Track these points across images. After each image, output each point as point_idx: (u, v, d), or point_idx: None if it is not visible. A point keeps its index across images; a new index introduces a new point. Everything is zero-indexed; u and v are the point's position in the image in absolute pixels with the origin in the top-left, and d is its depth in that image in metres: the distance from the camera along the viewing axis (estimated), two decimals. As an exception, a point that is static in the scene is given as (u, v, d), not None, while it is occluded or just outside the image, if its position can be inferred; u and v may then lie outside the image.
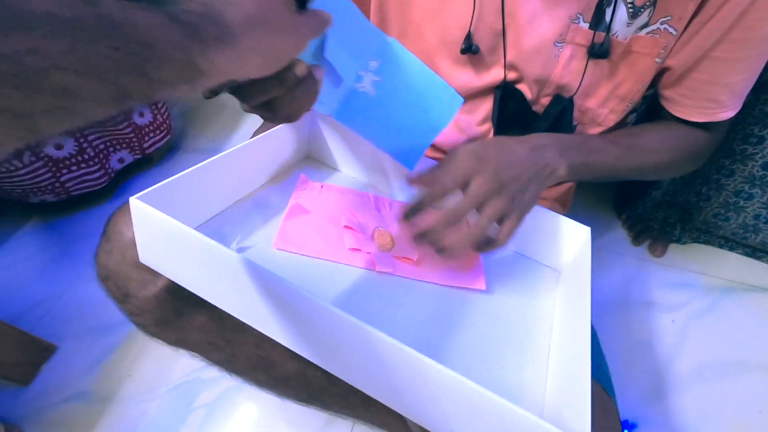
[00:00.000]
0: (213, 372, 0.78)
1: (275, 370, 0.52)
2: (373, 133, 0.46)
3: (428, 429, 0.35)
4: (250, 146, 0.48)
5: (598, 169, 0.49)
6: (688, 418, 0.74)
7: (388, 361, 0.33)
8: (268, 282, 0.34)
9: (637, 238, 0.97)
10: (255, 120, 1.28)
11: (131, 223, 0.44)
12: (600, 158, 0.49)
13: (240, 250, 0.44)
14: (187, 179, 0.41)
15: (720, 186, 0.81)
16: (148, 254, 0.41)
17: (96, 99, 0.19)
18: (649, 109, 0.58)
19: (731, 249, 0.93)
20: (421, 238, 0.41)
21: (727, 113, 0.51)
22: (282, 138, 0.55)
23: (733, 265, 0.93)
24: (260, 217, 0.50)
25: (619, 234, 0.99)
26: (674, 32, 0.45)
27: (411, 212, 0.43)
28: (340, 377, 0.37)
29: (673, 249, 0.96)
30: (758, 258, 0.93)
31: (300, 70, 0.31)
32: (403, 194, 0.56)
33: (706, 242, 0.94)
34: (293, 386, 0.54)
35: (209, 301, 0.39)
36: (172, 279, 0.41)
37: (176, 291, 0.45)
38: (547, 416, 0.37)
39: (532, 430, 0.28)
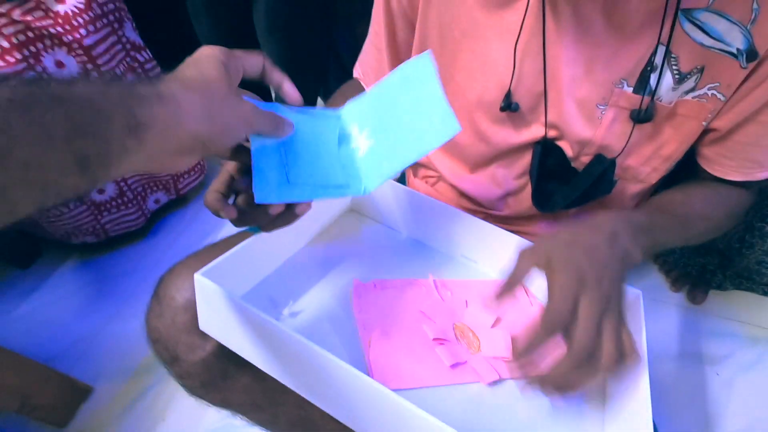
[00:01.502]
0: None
1: (316, 431, 0.51)
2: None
3: None
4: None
5: (660, 247, 0.47)
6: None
7: None
8: (322, 359, 0.35)
9: (674, 284, 0.95)
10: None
11: (181, 286, 0.46)
12: (664, 236, 0.47)
13: (292, 315, 0.46)
14: (242, 252, 0.44)
15: (764, 234, 0.78)
16: (208, 324, 0.43)
17: (58, 167, 0.21)
18: (687, 159, 0.58)
19: (776, 297, 0.90)
20: (545, 383, 0.35)
21: (766, 173, 0.50)
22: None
23: (780, 314, 0.90)
24: (310, 274, 0.51)
25: (656, 280, 0.97)
26: (722, 98, 0.45)
27: (523, 353, 0.36)
28: None
29: (714, 296, 0.93)
30: (805, 306, 0.89)
31: (274, 210, 0.36)
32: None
33: (749, 289, 0.91)
34: (332, 446, 0.53)
35: (268, 372, 0.41)
36: (232, 348, 0.43)
37: (223, 355, 0.46)
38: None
39: None
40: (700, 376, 0.82)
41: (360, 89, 0.66)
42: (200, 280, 0.39)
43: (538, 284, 0.54)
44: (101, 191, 0.97)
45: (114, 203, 1.00)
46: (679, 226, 0.49)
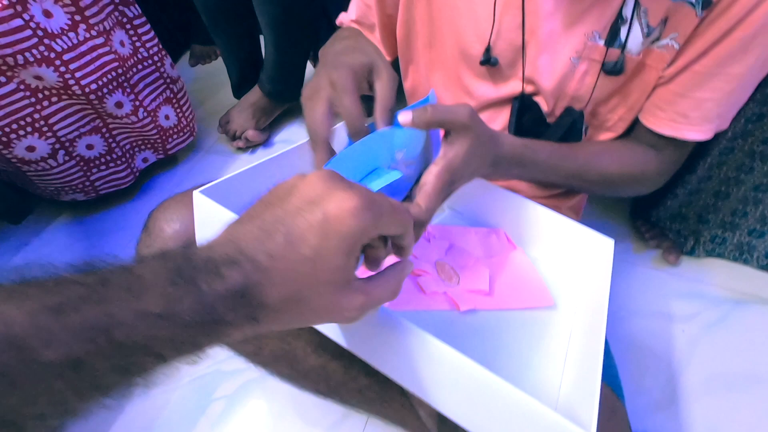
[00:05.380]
0: (233, 364, 0.81)
1: (298, 364, 0.54)
2: None
3: (448, 416, 0.38)
4: (305, 146, 0.50)
5: (536, 182, 0.54)
6: (697, 429, 0.75)
7: (423, 355, 0.35)
8: None
9: (652, 240, 0.98)
10: (277, 129, 1.31)
11: (170, 218, 0.48)
12: (549, 178, 0.52)
13: None
14: (245, 176, 0.43)
15: (739, 181, 0.81)
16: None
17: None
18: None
19: (746, 262, 0.94)
20: None
21: (693, 134, 0.50)
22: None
23: (746, 278, 0.94)
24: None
25: (631, 242, 1.00)
26: (677, 47, 0.47)
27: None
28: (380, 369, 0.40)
29: (686, 260, 0.97)
30: (772, 271, 0.94)
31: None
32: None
33: (720, 255, 0.95)
34: (313, 379, 0.56)
35: None
36: None
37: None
38: (559, 409, 0.39)
39: (545, 421, 0.31)
40: (667, 332, 0.86)
41: (352, 37, 0.65)
42: (199, 198, 0.38)
43: (516, 232, 0.56)
44: (90, 147, 0.98)
45: (103, 159, 1.01)
46: (567, 173, 0.53)
